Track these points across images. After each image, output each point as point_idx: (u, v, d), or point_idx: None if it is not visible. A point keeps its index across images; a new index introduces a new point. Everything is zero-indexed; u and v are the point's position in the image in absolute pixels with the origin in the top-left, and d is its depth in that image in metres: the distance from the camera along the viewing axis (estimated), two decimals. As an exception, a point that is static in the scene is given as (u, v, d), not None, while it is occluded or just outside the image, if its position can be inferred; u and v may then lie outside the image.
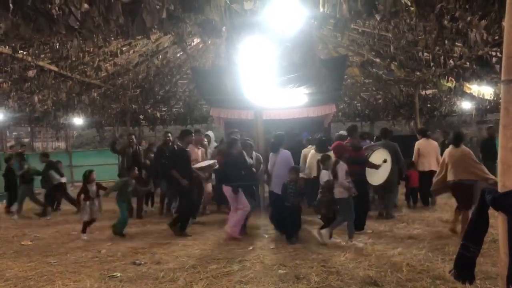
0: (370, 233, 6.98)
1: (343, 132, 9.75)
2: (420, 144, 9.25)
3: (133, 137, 10.18)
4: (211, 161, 8.42)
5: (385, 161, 7.53)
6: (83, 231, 7.44)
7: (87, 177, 7.31)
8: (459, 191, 6.56)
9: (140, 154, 9.90)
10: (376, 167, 7.29)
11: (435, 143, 9.48)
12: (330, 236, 6.41)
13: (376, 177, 7.68)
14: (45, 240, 7.42)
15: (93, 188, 7.31)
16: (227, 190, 7.10)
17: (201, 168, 8.27)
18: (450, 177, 6.58)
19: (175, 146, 8.60)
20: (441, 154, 9.20)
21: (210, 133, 10.68)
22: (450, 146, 6.83)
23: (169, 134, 9.92)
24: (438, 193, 7.35)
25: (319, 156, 7.80)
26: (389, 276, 4.76)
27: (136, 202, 9.32)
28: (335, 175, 6.39)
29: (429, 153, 9.13)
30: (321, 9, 4.67)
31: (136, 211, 9.24)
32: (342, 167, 6.36)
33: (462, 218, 6.46)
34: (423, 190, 9.27)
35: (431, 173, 8.92)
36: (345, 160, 6.50)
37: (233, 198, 7.07)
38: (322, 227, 6.52)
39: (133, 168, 8.34)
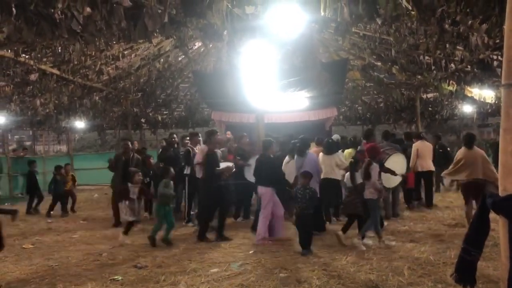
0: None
1: (337, 136, 9.85)
2: (418, 146, 9.40)
3: (129, 143, 9.32)
4: (230, 164, 8.27)
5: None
6: (126, 232, 7.16)
7: (132, 177, 7.06)
8: (471, 189, 6.91)
9: (136, 162, 9.03)
10: (393, 173, 7.45)
11: (430, 145, 9.80)
12: (363, 237, 6.46)
13: (392, 180, 7.90)
14: (47, 243, 7.42)
15: (135, 189, 7.01)
16: (265, 192, 6.97)
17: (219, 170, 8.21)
18: (462, 177, 7.01)
19: (189, 148, 8.61)
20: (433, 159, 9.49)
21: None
22: (463, 147, 7.20)
23: (175, 136, 9.79)
24: (451, 176, 7.64)
25: (328, 158, 7.92)
26: (391, 280, 4.75)
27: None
28: (367, 176, 6.44)
29: (426, 155, 9.36)
30: (322, 13, 4.69)
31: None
32: (376, 169, 6.51)
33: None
34: (426, 191, 9.40)
35: (430, 173, 9.13)
36: (376, 162, 6.67)
37: (269, 200, 6.95)
38: (344, 229, 6.56)
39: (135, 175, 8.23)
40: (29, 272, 5.59)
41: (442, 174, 7.91)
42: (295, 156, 7.63)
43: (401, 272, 5.00)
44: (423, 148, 9.39)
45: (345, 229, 6.54)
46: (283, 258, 5.89)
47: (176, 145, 9.54)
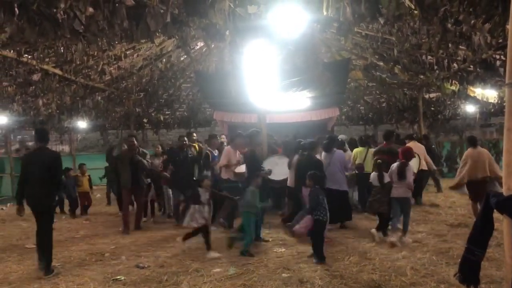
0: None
1: (343, 136, 9.89)
2: (410, 146, 9.44)
3: (134, 139, 8.71)
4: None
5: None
6: (189, 236, 6.43)
7: (201, 182, 6.70)
8: (476, 186, 7.43)
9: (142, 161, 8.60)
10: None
11: (421, 146, 10.01)
12: (384, 234, 6.72)
13: None
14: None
15: (206, 194, 6.55)
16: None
17: (239, 174, 8.17)
18: (469, 175, 7.52)
19: (208, 152, 8.61)
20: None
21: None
22: (469, 148, 7.76)
23: (185, 139, 9.46)
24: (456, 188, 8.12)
25: (328, 155, 8.07)
26: (393, 280, 4.74)
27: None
28: (402, 176, 6.67)
29: (419, 155, 9.42)
30: (325, 13, 4.68)
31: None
32: (410, 169, 6.82)
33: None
34: (415, 188, 9.55)
35: (422, 172, 9.32)
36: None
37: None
38: (378, 228, 6.83)
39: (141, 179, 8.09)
40: (32, 272, 5.60)
41: (452, 187, 8.29)
42: (323, 153, 7.83)
43: (403, 272, 4.99)
44: (417, 149, 9.48)
45: (379, 228, 6.83)
46: (286, 258, 5.89)
47: (186, 148, 9.23)
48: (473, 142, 7.83)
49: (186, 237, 6.36)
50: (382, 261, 5.51)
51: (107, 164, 11.37)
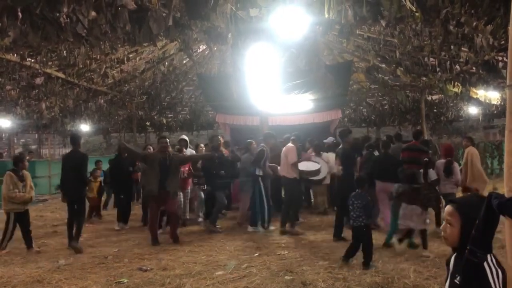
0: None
1: (331, 139, 9.81)
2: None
3: (167, 141, 7.73)
4: (318, 166, 8.32)
5: None
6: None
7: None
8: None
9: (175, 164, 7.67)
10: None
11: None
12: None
13: None
14: (53, 246, 7.45)
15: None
16: (387, 187, 6.95)
17: (309, 173, 8.24)
18: None
19: (263, 148, 8.50)
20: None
21: (184, 137, 9.78)
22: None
23: (220, 138, 9.43)
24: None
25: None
26: (396, 282, 4.73)
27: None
28: (449, 172, 7.09)
29: None
30: (326, 15, 4.69)
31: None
32: (457, 166, 7.26)
33: None
34: None
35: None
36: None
37: (384, 195, 7.11)
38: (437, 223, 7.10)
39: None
40: (35, 275, 5.61)
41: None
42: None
43: (406, 275, 4.98)
44: None
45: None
46: (288, 260, 5.88)
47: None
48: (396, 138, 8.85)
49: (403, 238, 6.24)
50: (385, 263, 5.50)
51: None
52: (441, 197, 7.10)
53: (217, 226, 8.18)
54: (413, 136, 8.74)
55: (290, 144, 8.03)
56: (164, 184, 7.21)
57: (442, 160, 7.39)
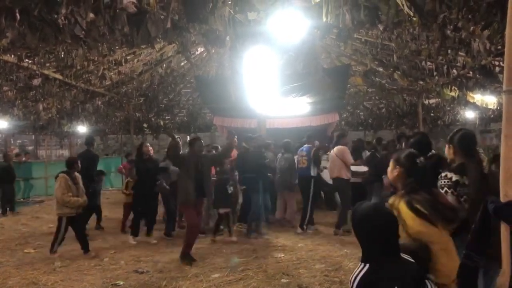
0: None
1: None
2: None
3: (202, 142, 7.13)
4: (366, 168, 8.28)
5: None
6: None
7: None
8: None
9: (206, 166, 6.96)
10: None
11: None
12: None
13: None
14: (48, 248, 7.41)
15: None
16: None
17: (361, 174, 8.23)
18: None
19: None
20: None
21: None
22: None
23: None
24: None
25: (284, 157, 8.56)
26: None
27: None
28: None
29: None
30: (324, 19, 4.70)
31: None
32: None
33: None
34: None
35: None
36: None
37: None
38: None
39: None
40: (31, 277, 5.59)
41: None
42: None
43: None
44: None
45: None
46: (285, 263, 5.89)
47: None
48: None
49: None
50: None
51: (106, 170, 11.03)
52: None
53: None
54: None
55: (341, 146, 8.16)
56: (200, 189, 6.45)
57: None
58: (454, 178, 3.09)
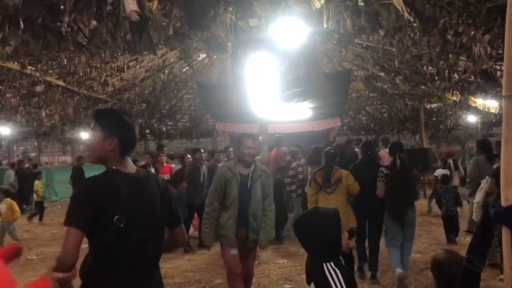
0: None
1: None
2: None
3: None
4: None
5: None
6: None
7: None
8: None
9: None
10: None
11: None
12: None
13: None
14: (51, 254, 7.43)
15: None
16: None
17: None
18: None
19: None
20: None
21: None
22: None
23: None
24: None
25: None
26: (396, 291, 4.73)
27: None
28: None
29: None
30: (325, 25, 4.73)
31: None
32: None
33: None
34: None
35: None
36: None
37: None
38: None
39: None
40: (34, 283, 5.60)
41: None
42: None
43: (405, 284, 4.97)
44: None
45: None
46: (288, 269, 5.88)
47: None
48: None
49: None
50: (384, 272, 5.50)
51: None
52: None
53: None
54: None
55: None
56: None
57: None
58: (385, 171, 5.09)
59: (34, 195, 11.52)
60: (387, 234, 5.26)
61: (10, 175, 13.28)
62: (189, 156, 8.37)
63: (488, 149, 6.24)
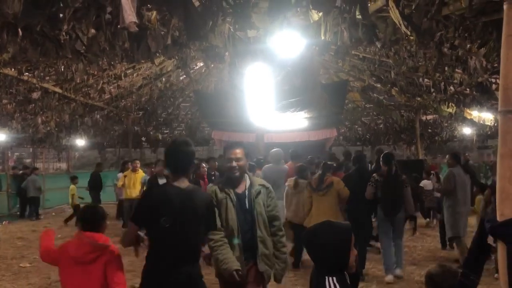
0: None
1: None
2: None
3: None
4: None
5: None
6: None
7: None
8: None
9: None
10: None
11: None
12: None
13: None
14: (44, 262, 7.36)
15: None
16: None
17: None
18: None
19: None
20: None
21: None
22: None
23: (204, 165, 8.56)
24: None
25: None
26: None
27: None
28: None
29: None
30: (323, 37, 4.77)
31: None
32: None
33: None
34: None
35: None
36: None
37: None
38: None
39: None
40: (26, 292, 5.55)
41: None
42: None
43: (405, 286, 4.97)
44: None
45: None
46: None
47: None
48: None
49: None
50: (379, 284, 5.48)
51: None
52: None
53: None
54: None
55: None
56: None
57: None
58: (376, 177, 5.75)
59: (70, 199, 11.53)
60: (380, 231, 6.01)
61: (36, 181, 13.07)
62: (204, 164, 8.16)
63: (460, 160, 7.05)
